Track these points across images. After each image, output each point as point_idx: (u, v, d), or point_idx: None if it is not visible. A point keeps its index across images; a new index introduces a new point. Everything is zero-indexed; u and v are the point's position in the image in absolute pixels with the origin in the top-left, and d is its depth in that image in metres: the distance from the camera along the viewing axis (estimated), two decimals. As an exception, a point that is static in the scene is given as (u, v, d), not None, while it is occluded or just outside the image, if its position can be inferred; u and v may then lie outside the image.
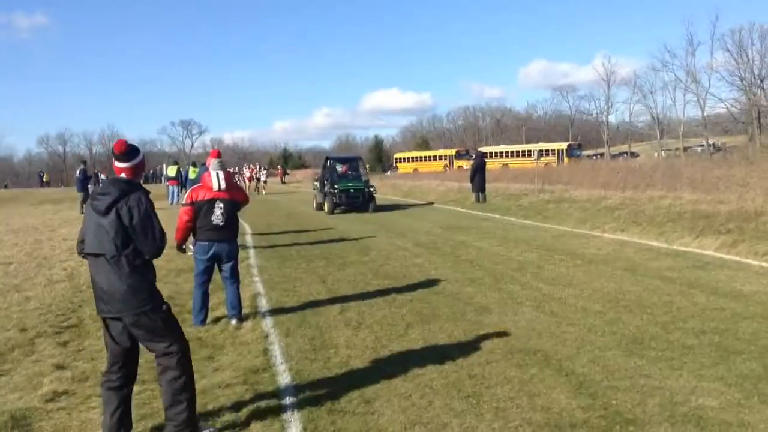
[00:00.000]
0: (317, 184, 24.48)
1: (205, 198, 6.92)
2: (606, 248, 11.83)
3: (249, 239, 15.10)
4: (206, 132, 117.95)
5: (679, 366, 5.27)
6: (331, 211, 21.72)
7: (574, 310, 7.26)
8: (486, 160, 25.77)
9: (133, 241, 3.92)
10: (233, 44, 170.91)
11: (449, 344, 6.12)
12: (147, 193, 4.08)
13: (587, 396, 4.70)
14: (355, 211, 21.67)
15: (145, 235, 3.94)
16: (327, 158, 24.44)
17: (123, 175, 4.08)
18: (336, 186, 22.12)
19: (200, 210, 6.89)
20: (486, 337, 6.31)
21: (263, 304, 8.10)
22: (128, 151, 4.11)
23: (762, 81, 58.33)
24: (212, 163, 7.20)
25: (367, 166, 25.45)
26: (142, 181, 4.39)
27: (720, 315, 6.81)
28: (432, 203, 25.65)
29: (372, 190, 22.60)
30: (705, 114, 64.26)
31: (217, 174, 6.97)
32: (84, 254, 4.08)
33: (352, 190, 22.10)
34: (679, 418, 4.25)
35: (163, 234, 4.04)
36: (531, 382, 5.04)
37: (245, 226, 17.34)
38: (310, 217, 21.12)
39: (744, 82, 59.13)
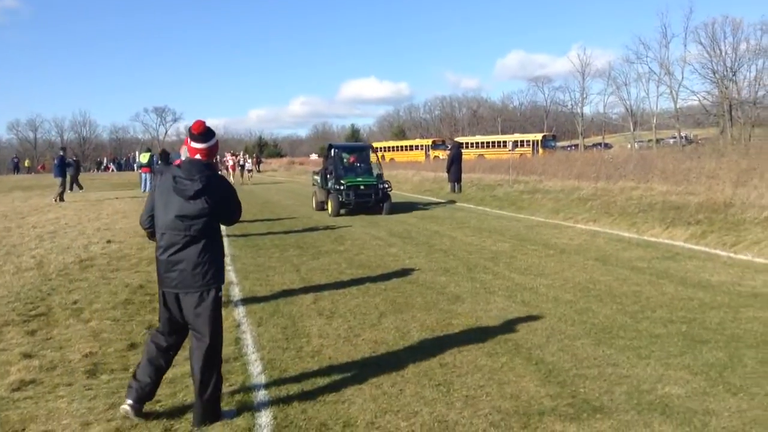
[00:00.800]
0: (317, 178, 19.65)
1: None
2: (578, 238, 11.96)
3: (222, 228, 14.97)
4: (180, 119, 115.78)
5: (647, 355, 5.36)
6: (337, 213, 17.24)
7: (546, 299, 7.33)
8: (462, 150, 25.82)
9: (215, 220, 4.27)
10: (210, 31, 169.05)
11: (422, 333, 6.15)
12: (222, 176, 4.46)
13: (556, 384, 4.76)
14: (364, 213, 17.55)
15: (232, 213, 4.45)
16: (330, 146, 19.57)
17: (198, 156, 4.26)
18: (342, 181, 17.66)
19: None
20: (458, 326, 6.36)
21: (236, 293, 8.05)
22: (206, 132, 4.30)
23: (734, 74, 59.13)
24: (182, 149, 7.09)
25: None
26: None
27: (688, 305, 6.93)
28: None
29: (386, 186, 18.04)
30: (678, 106, 65.06)
31: None
32: (152, 231, 4.34)
33: (362, 187, 17.63)
34: (646, 406, 4.32)
35: (240, 208, 4.54)
36: (501, 370, 5.09)
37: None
38: (285, 207, 21.01)
39: (716, 75, 59.87)
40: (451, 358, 5.42)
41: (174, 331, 4.30)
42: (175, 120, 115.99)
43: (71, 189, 27.80)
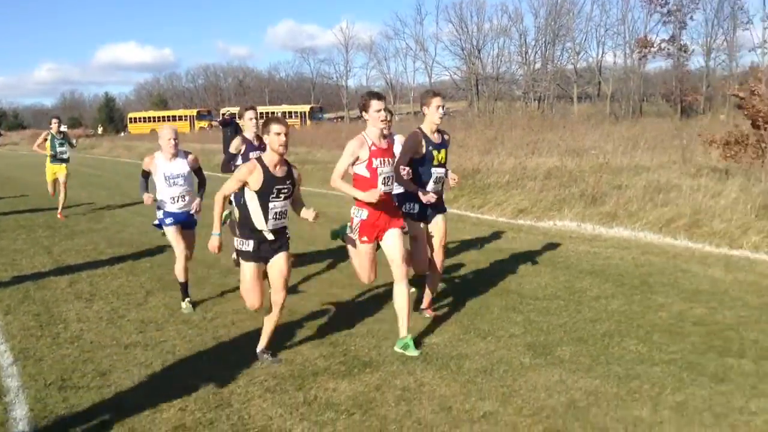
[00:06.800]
0: None
1: None
2: (346, 207, 12.38)
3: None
4: None
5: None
6: None
7: (319, 264, 7.55)
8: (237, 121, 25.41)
9: None
10: None
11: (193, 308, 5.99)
12: None
13: (328, 345, 4.94)
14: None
15: None
16: None
17: None
18: None
19: None
20: (231, 298, 6.29)
21: (-25, 281, 7.13)
22: None
23: (479, 51, 64.87)
24: None
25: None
26: None
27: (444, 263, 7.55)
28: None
29: None
30: (432, 81, 69.91)
31: None
32: None
33: None
34: (410, 357, 4.67)
35: None
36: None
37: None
38: (30, 184, 18.88)
39: (464, 52, 65.23)
40: (225, 330, 5.37)
41: None
42: None
43: None
